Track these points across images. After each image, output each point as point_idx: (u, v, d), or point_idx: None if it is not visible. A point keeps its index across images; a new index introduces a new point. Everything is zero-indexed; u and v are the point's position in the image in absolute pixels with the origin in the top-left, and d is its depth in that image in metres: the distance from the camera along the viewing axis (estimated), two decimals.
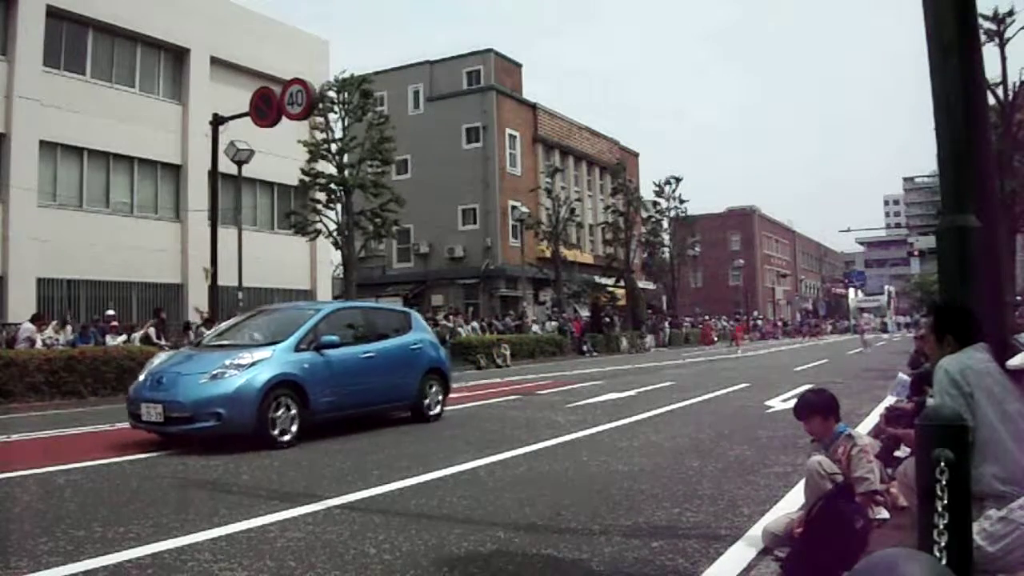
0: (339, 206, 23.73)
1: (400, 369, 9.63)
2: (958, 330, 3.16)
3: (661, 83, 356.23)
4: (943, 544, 2.07)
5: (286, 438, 7.88)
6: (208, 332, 11.50)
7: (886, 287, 73.97)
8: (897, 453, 5.35)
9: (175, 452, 7.59)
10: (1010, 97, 22.14)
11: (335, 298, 28.91)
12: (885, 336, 48.93)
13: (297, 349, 8.37)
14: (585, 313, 38.48)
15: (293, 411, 8.03)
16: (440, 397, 10.28)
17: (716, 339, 45.41)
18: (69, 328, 17.04)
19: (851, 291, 74.80)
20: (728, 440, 7.95)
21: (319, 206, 23.51)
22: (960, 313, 3.15)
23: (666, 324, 44.43)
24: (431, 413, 9.97)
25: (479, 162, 37.67)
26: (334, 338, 8.65)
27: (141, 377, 8.41)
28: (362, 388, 9.00)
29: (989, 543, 2.24)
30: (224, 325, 10.26)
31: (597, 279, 40.96)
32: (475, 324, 29.15)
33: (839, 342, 33.24)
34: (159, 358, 8.92)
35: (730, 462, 6.68)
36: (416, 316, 10.96)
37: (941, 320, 3.28)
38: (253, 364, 7.91)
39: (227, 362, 7.92)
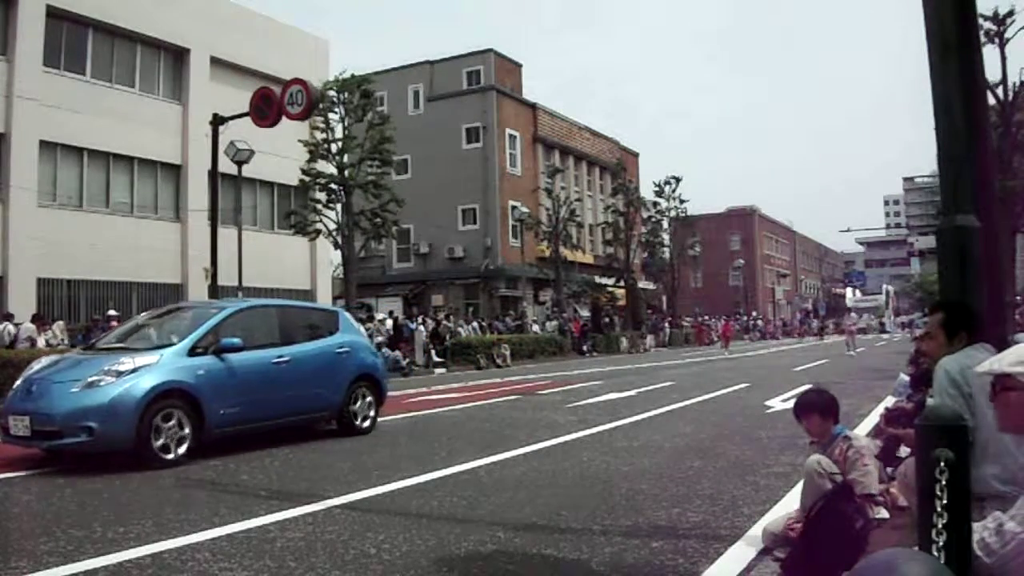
0: (339, 206, 23.73)
1: (322, 375, 8.56)
2: (970, 326, 3.16)
3: (661, 83, 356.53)
4: (942, 544, 2.07)
5: (172, 455, 6.88)
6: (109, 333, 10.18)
7: (885, 286, 73.91)
8: (898, 454, 5.35)
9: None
10: (1010, 97, 22.16)
11: (335, 298, 28.95)
12: (885, 336, 48.96)
13: (192, 353, 7.32)
14: (585, 313, 38.50)
15: (183, 425, 7.01)
16: (372, 407, 9.21)
17: (715, 338, 45.36)
18: (57, 328, 16.90)
19: (848, 291, 74.69)
20: (728, 440, 7.95)
21: (319, 206, 23.52)
22: (971, 309, 3.15)
23: (666, 324, 44.43)
24: (361, 425, 8.95)
25: (479, 162, 37.67)
26: (236, 340, 7.57)
27: (17, 383, 7.39)
28: (274, 398, 7.97)
29: (985, 554, 2.25)
30: (130, 324, 9.12)
31: (597, 279, 40.96)
32: (475, 324, 29.16)
33: (836, 342, 33.16)
34: (41, 362, 7.79)
35: (730, 462, 6.68)
36: (345, 316, 9.80)
37: (953, 317, 3.27)
38: (135, 371, 6.88)
39: (105, 368, 6.87)
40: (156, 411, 6.85)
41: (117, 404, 6.65)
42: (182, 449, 6.98)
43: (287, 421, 8.30)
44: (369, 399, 9.19)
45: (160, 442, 6.84)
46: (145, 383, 6.84)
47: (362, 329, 10.63)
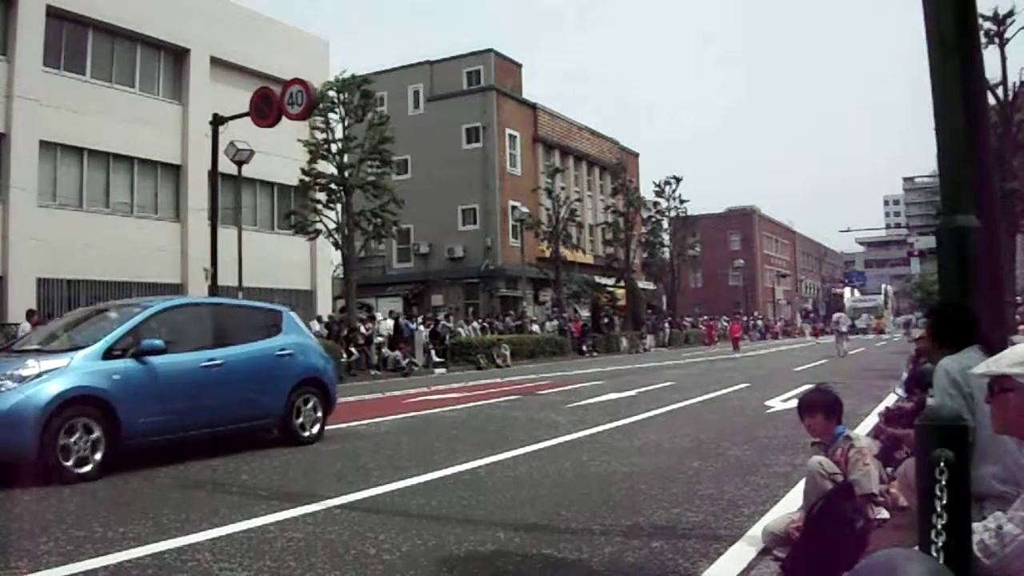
0: (339, 206, 23.73)
1: (259, 380, 7.90)
2: (955, 334, 3.17)
3: (661, 83, 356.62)
4: (942, 544, 2.07)
5: (85, 469, 6.23)
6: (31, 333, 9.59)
7: (884, 286, 73.88)
8: (898, 453, 5.35)
9: (173, 453, 7.59)
10: (1010, 97, 22.17)
11: (335, 298, 28.96)
12: (884, 336, 48.93)
13: (108, 356, 6.69)
14: (585, 313, 38.50)
15: (96, 435, 6.34)
16: (319, 414, 8.50)
17: (717, 339, 45.35)
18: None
19: (847, 290, 74.59)
20: (728, 440, 7.95)
21: (319, 206, 23.52)
22: (957, 317, 3.15)
23: (666, 324, 44.43)
24: (305, 434, 8.26)
25: (479, 162, 37.68)
26: (157, 342, 6.95)
27: None
28: (203, 405, 7.32)
29: (985, 556, 2.25)
30: (54, 324, 8.59)
31: (597, 279, 40.96)
32: (475, 324, 29.17)
33: (830, 343, 33.10)
34: None
35: (730, 462, 6.68)
36: (290, 316, 8.97)
37: (939, 324, 3.30)
38: (40, 376, 6.26)
39: (6, 373, 6.25)
40: (64, 420, 6.19)
41: (17, 412, 6.02)
42: (98, 455, 6.34)
43: (221, 430, 7.59)
44: (314, 405, 8.47)
45: (69, 454, 6.19)
46: (51, 389, 6.21)
47: (309, 330, 9.81)
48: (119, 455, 6.55)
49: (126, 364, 6.77)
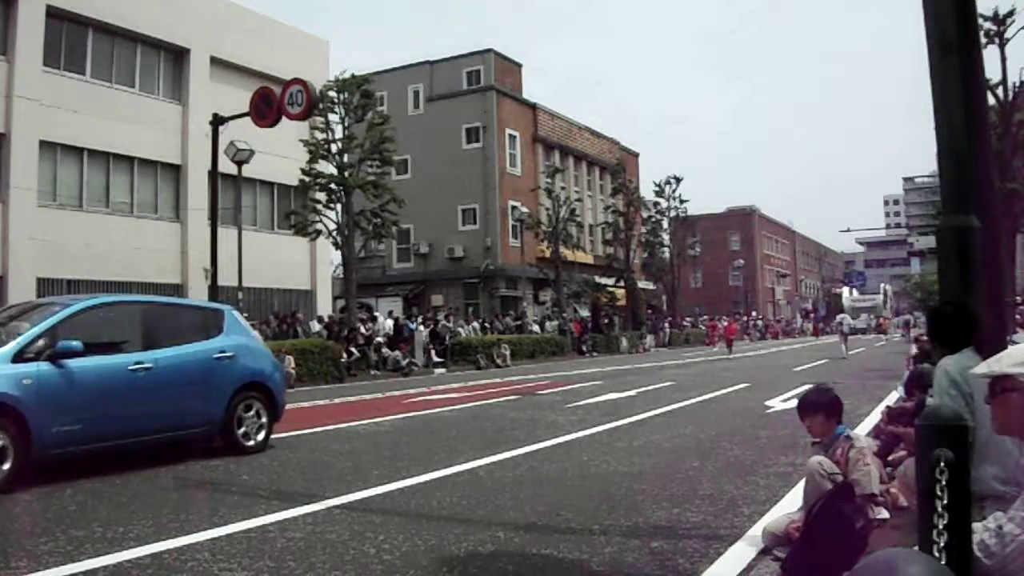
0: (339, 206, 23.73)
1: (195, 385, 7.31)
2: (955, 335, 3.18)
3: (661, 83, 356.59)
4: (943, 544, 2.07)
5: None
6: None
7: (883, 285, 73.83)
8: (899, 454, 5.35)
9: (173, 453, 7.59)
10: (1010, 97, 22.16)
11: (335, 298, 28.95)
12: (885, 337, 48.90)
13: (20, 359, 6.10)
14: (585, 313, 38.49)
15: (3, 444, 5.81)
16: (263, 420, 7.87)
17: (718, 339, 45.26)
18: None
19: (845, 290, 74.51)
20: (728, 440, 7.94)
21: (319, 206, 23.51)
22: (958, 317, 3.15)
23: (666, 324, 44.43)
24: (249, 443, 7.64)
25: (479, 162, 37.67)
26: (75, 344, 6.30)
27: None
28: (130, 412, 6.74)
29: (985, 556, 2.25)
30: None
31: (597, 279, 40.95)
32: (475, 324, 29.16)
33: (831, 343, 33.05)
34: None
35: (730, 462, 6.68)
36: (233, 315, 8.31)
37: (939, 324, 3.30)
38: None
39: None
40: None
41: None
42: (6, 466, 5.78)
43: (150, 439, 6.96)
44: (259, 412, 7.84)
45: None
46: None
47: (254, 331, 9.12)
48: (32, 467, 6.02)
49: (39, 368, 6.16)
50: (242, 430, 7.67)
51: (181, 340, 7.42)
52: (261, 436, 7.83)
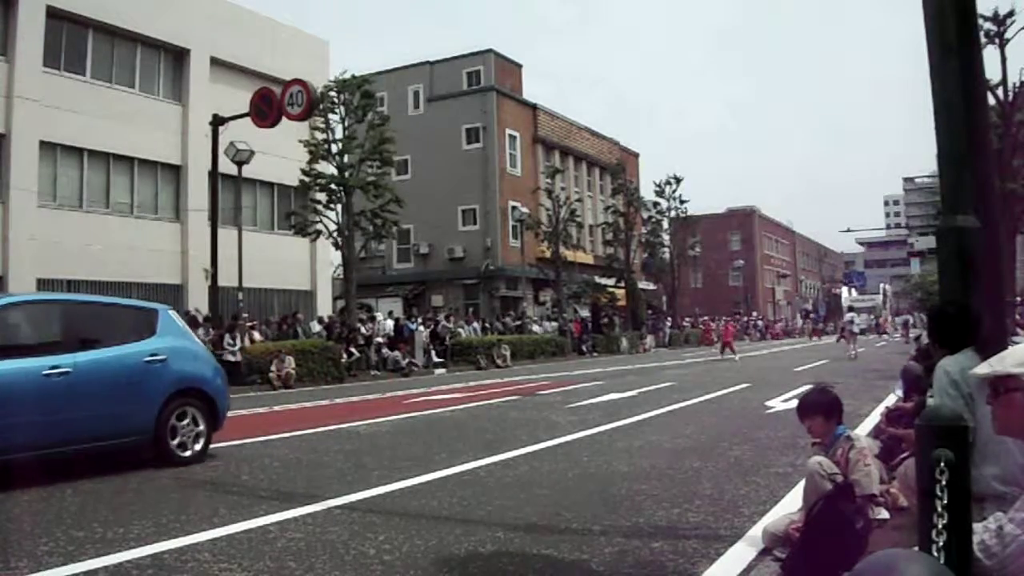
0: (339, 207, 23.74)
1: (121, 391, 6.68)
2: (948, 338, 3.18)
3: (661, 83, 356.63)
4: (943, 544, 2.07)
5: None
6: None
7: (882, 285, 73.80)
8: (899, 457, 5.35)
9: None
10: (1010, 97, 22.13)
11: (335, 299, 28.96)
12: (884, 337, 48.89)
13: None
14: (585, 313, 38.49)
15: None
16: (200, 428, 7.26)
17: (715, 339, 45.22)
18: None
19: (844, 290, 74.45)
20: (728, 440, 7.94)
21: (319, 206, 23.52)
22: (959, 317, 3.15)
23: (666, 324, 44.42)
24: (185, 454, 7.05)
25: (479, 162, 37.68)
26: None
27: None
28: (45, 420, 6.11)
29: (985, 556, 2.25)
30: None
31: (597, 279, 40.96)
32: (476, 325, 29.17)
33: (831, 343, 32.94)
34: None
35: (730, 462, 6.68)
36: (168, 316, 7.61)
37: (940, 325, 3.31)
38: None
39: None
40: None
41: None
42: None
43: (70, 450, 6.28)
44: (195, 419, 7.24)
45: None
46: None
47: (193, 333, 8.50)
48: None
49: None
50: (177, 440, 7.06)
51: (107, 342, 6.82)
52: (199, 446, 7.24)
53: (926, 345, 7.00)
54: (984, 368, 2.42)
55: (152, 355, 7.00)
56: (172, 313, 7.81)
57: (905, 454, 5.06)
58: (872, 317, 59.90)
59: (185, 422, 7.17)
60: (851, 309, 40.60)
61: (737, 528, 4.48)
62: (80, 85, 20.83)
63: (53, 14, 19.89)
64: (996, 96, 21.78)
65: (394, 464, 6.85)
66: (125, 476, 6.40)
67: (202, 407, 7.36)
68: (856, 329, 27.93)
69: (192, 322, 18.18)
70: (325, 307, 27.46)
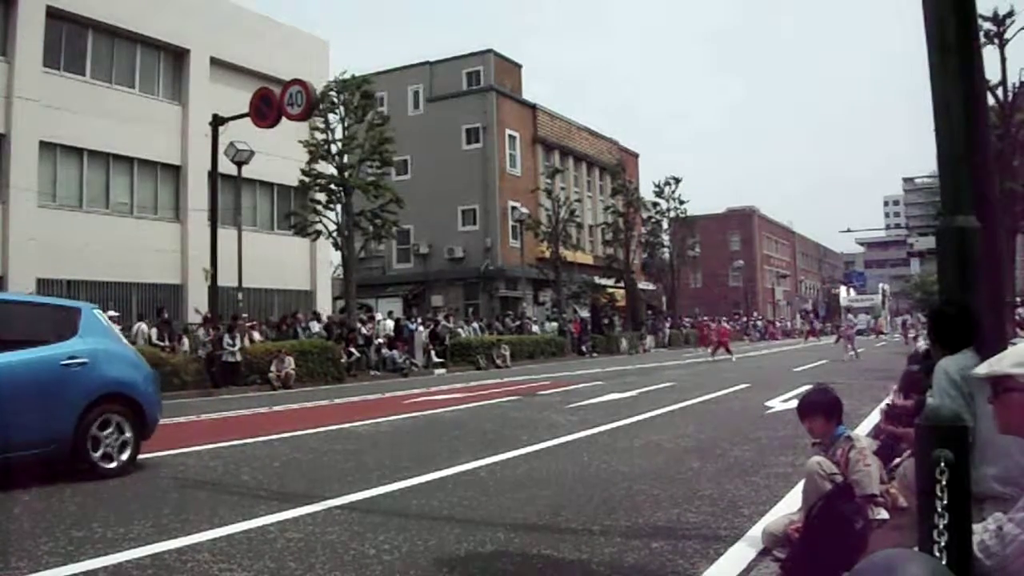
0: (339, 207, 23.75)
1: (32, 397, 6.01)
2: (948, 338, 3.18)
3: (661, 83, 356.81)
4: (943, 544, 2.06)
5: None
6: None
7: (881, 285, 73.78)
8: (899, 458, 5.35)
9: (174, 453, 7.58)
10: (1010, 98, 22.14)
11: (335, 299, 28.96)
12: (884, 337, 48.94)
13: None
14: (585, 314, 38.50)
15: None
16: (126, 436, 6.61)
17: (714, 339, 45.14)
18: None
19: (843, 289, 74.41)
20: (728, 441, 7.94)
21: (319, 207, 23.54)
22: (952, 321, 3.15)
23: (666, 325, 44.42)
24: (110, 465, 6.40)
25: (479, 162, 37.69)
26: None
27: None
28: None
29: (985, 557, 2.25)
30: None
31: (597, 280, 40.97)
32: (476, 325, 29.18)
33: (830, 344, 33.00)
34: None
35: (730, 463, 6.68)
36: (92, 315, 6.97)
37: (940, 325, 3.30)
38: None
39: None
40: None
41: None
42: None
43: None
44: (120, 428, 6.59)
45: None
46: None
47: (119, 333, 7.83)
48: None
49: None
50: (100, 451, 6.39)
51: (20, 343, 6.17)
52: (125, 456, 6.58)
53: (925, 349, 7.00)
54: (983, 368, 2.43)
55: (70, 358, 6.34)
56: (97, 312, 7.18)
57: (905, 454, 5.06)
58: (871, 318, 59.96)
59: (108, 431, 6.48)
60: (848, 310, 40.58)
61: (737, 528, 4.48)
62: (80, 85, 20.83)
63: (53, 14, 19.90)
64: (996, 96, 21.79)
65: (394, 464, 6.85)
66: (125, 476, 6.39)
67: (127, 413, 6.68)
68: (854, 332, 27.90)
69: (206, 321, 18.14)
70: (325, 307, 27.46)
